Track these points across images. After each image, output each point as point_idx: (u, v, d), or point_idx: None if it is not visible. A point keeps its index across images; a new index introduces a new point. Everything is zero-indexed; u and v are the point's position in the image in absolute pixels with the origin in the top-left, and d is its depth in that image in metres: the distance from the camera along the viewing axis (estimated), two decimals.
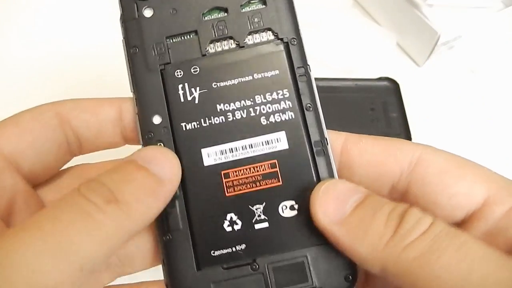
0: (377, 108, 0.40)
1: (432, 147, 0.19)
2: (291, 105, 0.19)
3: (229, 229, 0.19)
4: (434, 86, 0.43)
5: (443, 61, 0.44)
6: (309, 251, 0.18)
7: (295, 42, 0.20)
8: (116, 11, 0.20)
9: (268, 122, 0.19)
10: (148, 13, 0.20)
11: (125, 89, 0.20)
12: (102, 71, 0.40)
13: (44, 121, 0.19)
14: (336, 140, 0.20)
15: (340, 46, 0.43)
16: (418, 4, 0.41)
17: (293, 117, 0.19)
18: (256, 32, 0.20)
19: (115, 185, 0.16)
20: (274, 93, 0.20)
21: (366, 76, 0.41)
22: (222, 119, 0.19)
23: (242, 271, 0.18)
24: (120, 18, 0.20)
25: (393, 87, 0.41)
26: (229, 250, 0.18)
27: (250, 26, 0.20)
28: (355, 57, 0.43)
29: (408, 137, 0.38)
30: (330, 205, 0.17)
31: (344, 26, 0.45)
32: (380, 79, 0.41)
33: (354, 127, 0.37)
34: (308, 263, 0.18)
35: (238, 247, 0.19)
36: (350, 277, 0.18)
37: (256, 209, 0.19)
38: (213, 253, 0.18)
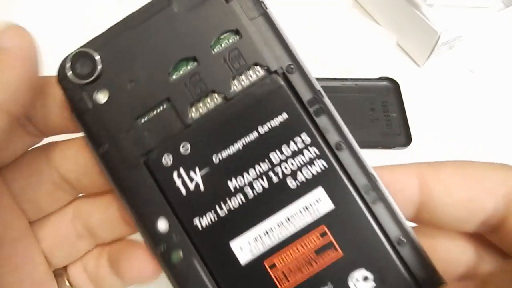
0: (377, 108, 0.40)
1: None
2: (317, 152, 0.15)
3: None
4: (434, 86, 0.43)
5: (443, 61, 0.44)
6: None
7: (294, 69, 0.16)
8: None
9: (298, 182, 0.15)
10: (102, 97, 0.16)
11: None
12: None
13: None
14: (410, 175, 0.16)
15: (340, 46, 0.43)
16: (418, 4, 0.41)
17: (326, 165, 0.15)
18: (240, 73, 0.16)
19: None
20: (292, 143, 0.15)
21: (366, 76, 0.41)
22: (240, 198, 0.15)
23: None
24: (72, 112, 0.16)
25: (393, 87, 0.41)
26: None
27: (230, 68, 0.16)
28: (355, 57, 0.43)
29: (408, 137, 0.38)
30: None
31: (344, 26, 0.45)
32: (380, 79, 0.41)
33: (354, 127, 0.37)
34: None
35: None
36: None
37: None
38: None
